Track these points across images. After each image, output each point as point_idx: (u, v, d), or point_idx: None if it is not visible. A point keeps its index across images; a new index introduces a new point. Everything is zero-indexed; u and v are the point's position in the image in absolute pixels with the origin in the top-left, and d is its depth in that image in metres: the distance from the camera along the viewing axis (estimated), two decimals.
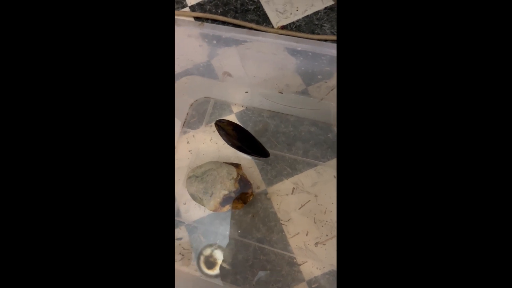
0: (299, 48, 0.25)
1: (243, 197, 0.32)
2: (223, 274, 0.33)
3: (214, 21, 0.44)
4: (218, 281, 0.32)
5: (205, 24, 0.25)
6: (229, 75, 0.32)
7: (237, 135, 0.35)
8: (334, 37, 0.40)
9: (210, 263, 0.33)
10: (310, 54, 0.25)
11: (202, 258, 0.33)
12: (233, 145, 0.35)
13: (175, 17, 0.32)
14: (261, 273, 0.32)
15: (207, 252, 0.34)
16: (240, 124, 0.36)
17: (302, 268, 0.32)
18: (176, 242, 0.34)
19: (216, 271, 0.33)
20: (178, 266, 0.33)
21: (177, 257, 0.34)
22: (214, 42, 0.26)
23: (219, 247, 0.33)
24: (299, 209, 0.34)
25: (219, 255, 0.33)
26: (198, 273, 0.33)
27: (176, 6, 0.47)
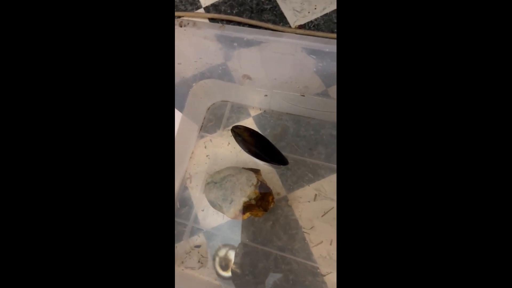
0: (322, 48, 0.23)
1: (264, 204, 0.31)
2: (243, 284, 0.31)
3: (229, 22, 0.43)
4: None
5: (226, 26, 0.24)
6: (249, 78, 0.31)
7: (255, 142, 0.34)
8: None
9: (230, 272, 0.32)
10: (330, 53, 0.23)
11: (221, 266, 0.32)
12: (250, 152, 0.34)
13: (192, 19, 0.31)
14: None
15: (226, 260, 0.33)
16: (257, 130, 0.35)
17: (326, 278, 0.30)
18: (195, 250, 0.33)
19: (235, 279, 0.32)
20: (197, 274, 0.32)
21: (195, 264, 0.33)
22: (235, 44, 0.25)
23: (239, 255, 0.32)
24: (322, 216, 0.32)
25: (238, 264, 0.32)
26: (217, 282, 0.32)
27: (190, 8, 0.46)
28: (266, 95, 0.34)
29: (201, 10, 0.45)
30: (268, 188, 0.32)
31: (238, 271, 0.32)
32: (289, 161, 0.35)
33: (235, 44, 0.25)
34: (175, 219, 0.35)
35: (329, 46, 0.23)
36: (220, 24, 0.24)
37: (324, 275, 0.31)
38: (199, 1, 0.46)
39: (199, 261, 0.33)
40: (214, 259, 0.33)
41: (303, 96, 0.32)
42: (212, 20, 0.44)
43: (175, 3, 0.46)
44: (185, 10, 0.46)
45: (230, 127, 0.35)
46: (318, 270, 0.31)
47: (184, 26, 0.25)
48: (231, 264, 0.32)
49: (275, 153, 0.34)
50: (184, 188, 0.36)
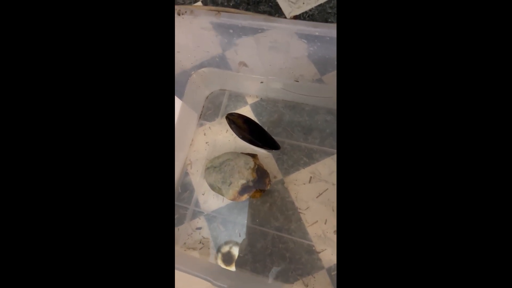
0: (317, 33, 0.25)
1: (261, 186, 0.33)
2: (242, 262, 0.33)
3: (220, 11, 0.45)
4: (238, 269, 0.33)
5: (222, 13, 0.25)
6: (245, 65, 0.32)
7: (248, 128, 0.35)
8: None
9: (229, 252, 0.34)
10: (327, 38, 0.25)
11: (221, 246, 0.34)
12: (244, 138, 0.35)
13: (191, 8, 0.33)
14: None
15: (226, 241, 0.34)
16: (250, 118, 0.36)
17: (321, 255, 0.32)
18: (196, 231, 0.35)
19: (235, 259, 0.33)
20: (199, 254, 0.34)
21: (197, 245, 0.34)
22: (231, 31, 0.26)
23: (238, 235, 0.34)
24: (316, 197, 0.34)
25: (237, 244, 0.34)
26: (218, 261, 0.34)
27: (188, 1, 0.47)
28: (262, 82, 0.35)
29: (199, 3, 0.46)
30: (265, 171, 0.34)
31: (237, 250, 0.33)
32: (285, 146, 0.36)
33: (231, 31, 0.27)
34: (178, 203, 0.36)
35: (324, 30, 0.24)
36: (216, 12, 0.26)
37: (319, 252, 0.32)
38: None
39: (200, 242, 0.34)
40: (214, 240, 0.34)
41: (297, 81, 0.33)
42: (202, 10, 0.45)
43: None
44: (183, 3, 0.47)
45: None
46: (314, 248, 0.32)
47: (182, 14, 0.26)
48: (231, 244, 0.34)
49: (268, 138, 0.35)
50: (185, 174, 0.37)
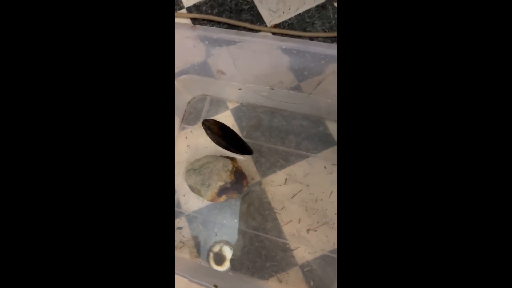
0: (293, 49, 0.27)
1: (238, 187, 0.35)
2: (221, 260, 0.35)
3: (210, 21, 0.46)
4: (217, 267, 0.35)
5: (197, 26, 0.27)
6: (223, 73, 0.34)
7: (223, 134, 0.37)
8: (325, 34, 0.42)
9: (209, 250, 0.35)
10: (302, 51, 0.26)
11: (201, 245, 0.36)
12: (218, 143, 0.37)
13: (179, 17, 0.34)
14: None
15: (206, 239, 0.36)
16: (226, 124, 0.38)
17: (295, 253, 0.34)
18: (177, 231, 0.36)
19: (214, 256, 0.35)
20: (179, 253, 0.35)
21: (177, 244, 0.36)
22: (206, 42, 0.28)
23: (217, 235, 0.36)
24: (291, 198, 0.36)
25: (217, 243, 0.35)
26: (198, 259, 0.35)
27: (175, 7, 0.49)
28: (240, 89, 0.37)
29: (184, 11, 0.48)
30: (243, 173, 0.35)
31: (216, 248, 0.35)
32: (263, 149, 0.38)
33: (207, 42, 0.28)
34: None
35: (302, 45, 0.26)
36: (191, 25, 0.27)
37: (293, 250, 0.34)
38: (181, 2, 0.49)
39: (180, 241, 0.36)
40: (195, 239, 0.36)
41: (272, 89, 0.35)
42: (193, 19, 0.47)
43: None
44: None
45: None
46: (288, 246, 0.34)
47: None
48: (210, 243, 0.36)
49: (241, 143, 0.37)
50: None
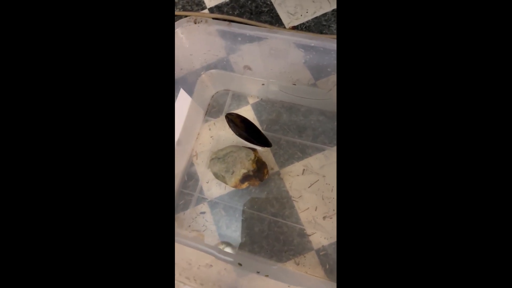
0: (312, 44, 0.29)
1: (260, 175, 0.37)
2: (242, 244, 0.37)
3: (231, 22, 0.49)
4: (237, 250, 0.37)
5: (232, 24, 0.30)
6: (250, 68, 0.37)
7: (244, 127, 0.40)
8: None
9: (230, 234, 0.38)
10: (321, 49, 0.29)
11: (222, 229, 0.38)
12: (240, 135, 0.40)
13: (202, 16, 0.37)
14: None
15: (227, 224, 0.38)
16: (248, 118, 0.40)
17: (311, 238, 0.36)
18: (200, 216, 0.39)
19: (235, 241, 0.37)
20: (202, 236, 0.38)
21: (200, 228, 0.38)
22: (239, 39, 0.31)
23: (237, 220, 0.38)
24: (308, 187, 0.38)
25: (237, 227, 0.38)
26: (219, 243, 0.37)
27: (196, 8, 0.52)
28: (263, 84, 0.40)
29: (206, 11, 0.51)
30: (264, 162, 0.38)
31: (237, 233, 0.37)
32: (282, 142, 0.40)
33: (239, 39, 0.31)
34: (184, 190, 0.40)
35: (320, 42, 0.29)
36: (227, 22, 0.30)
37: (310, 235, 0.36)
38: (204, 3, 0.51)
39: (203, 225, 0.38)
40: (216, 224, 0.38)
41: (295, 85, 0.38)
42: (215, 19, 0.50)
43: (183, 4, 0.52)
44: (192, 10, 0.52)
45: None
46: (305, 231, 0.37)
47: (198, 23, 0.30)
48: (231, 227, 0.38)
49: (261, 136, 0.39)
50: (191, 164, 0.41)
